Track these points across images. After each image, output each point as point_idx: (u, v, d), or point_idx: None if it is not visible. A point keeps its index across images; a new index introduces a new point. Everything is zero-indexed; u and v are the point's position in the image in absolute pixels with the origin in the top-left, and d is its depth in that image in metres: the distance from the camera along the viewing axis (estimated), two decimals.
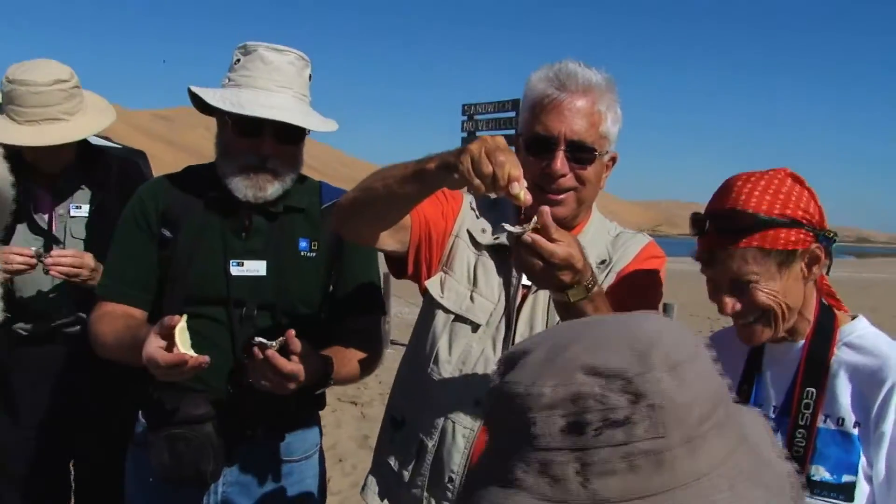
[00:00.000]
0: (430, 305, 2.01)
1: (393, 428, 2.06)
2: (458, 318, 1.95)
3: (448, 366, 1.94)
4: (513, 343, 1.91)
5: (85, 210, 2.84)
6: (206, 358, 1.87)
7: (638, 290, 1.95)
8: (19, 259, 2.59)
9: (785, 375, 1.74)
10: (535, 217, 1.59)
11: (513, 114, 11.94)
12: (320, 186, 2.38)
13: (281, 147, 2.17)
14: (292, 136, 2.19)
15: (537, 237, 1.57)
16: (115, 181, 2.85)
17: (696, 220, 1.69)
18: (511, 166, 1.53)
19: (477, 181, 1.54)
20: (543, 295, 1.92)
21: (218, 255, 2.20)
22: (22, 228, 2.78)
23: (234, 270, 2.19)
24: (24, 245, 2.69)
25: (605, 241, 2.03)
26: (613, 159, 2.00)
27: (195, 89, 2.16)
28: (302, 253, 2.27)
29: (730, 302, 1.67)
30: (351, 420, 7.55)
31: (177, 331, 1.84)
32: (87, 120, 2.77)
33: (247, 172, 2.15)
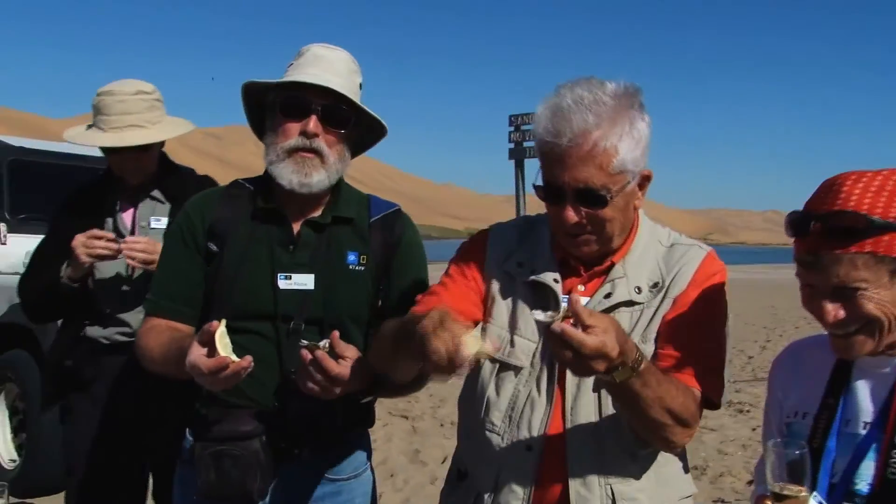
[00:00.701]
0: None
1: (457, 479, 2.01)
2: (502, 364, 1.90)
3: (498, 413, 1.89)
4: (559, 382, 1.85)
5: (164, 222, 3.02)
6: (248, 360, 1.85)
7: (701, 318, 1.85)
8: (101, 244, 2.84)
9: (879, 390, 1.63)
10: (567, 302, 1.54)
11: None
12: (369, 199, 2.35)
13: (328, 130, 2.15)
14: (340, 118, 2.16)
15: (566, 328, 1.49)
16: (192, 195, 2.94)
17: (797, 220, 1.56)
18: (450, 338, 1.53)
19: (433, 358, 1.54)
20: None
21: (265, 269, 2.17)
22: (109, 226, 3.03)
23: (282, 284, 2.16)
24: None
25: (656, 257, 1.92)
26: (647, 177, 1.86)
27: (249, 82, 2.18)
28: (350, 266, 2.23)
29: (832, 309, 1.55)
30: (402, 434, 7.51)
31: (217, 336, 1.83)
32: (165, 126, 3.06)
33: (292, 155, 2.13)
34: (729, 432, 8.01)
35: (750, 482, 6.37)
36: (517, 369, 1.88)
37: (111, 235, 2.89)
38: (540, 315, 1.56)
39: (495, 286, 1.95)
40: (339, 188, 2.29)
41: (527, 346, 1.88)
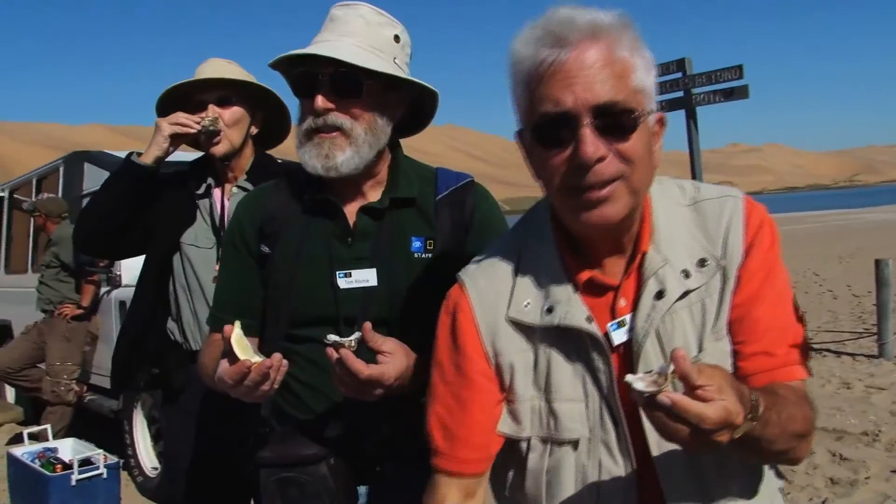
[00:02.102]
0: (512, 451, 1.51)
1: None
2: (553, 441, 1.45)
3: (569, 500, 1.44)
4: (630, 437, 1.41)
5: None
6: (272, 360, 1.64)
7: (773, 286, 1.41)
8: (185, 117, 2.78)
9: None
10: (670, 364, 1.13)
11: (678, 75, 11.19)
12: (436, 174, 2.04)
13: (343, 101, 1.85)
14: (350, 85, 1.85)
15: (679, 399, 1.11)
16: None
17: None
18: None
19: None
20: (652, 346, 1.40)
21: (323, 267, 1.92)
22: (200, 221, 2.90)
23: (342, 283, 1.90)
24: (202, 239, 2.86)
25: (685, 225, 1.46)
26: (661, 122, 1.41)
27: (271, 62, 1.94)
28: (415, 255, 1.93)
29: None
30: None
31: (233, 339, 1.64)
32: None
33: (312, 138, 1.87)
34: None
35: None
36: (575, 443, 1.44)
37: (199, 118, 2.80)
38: (639, 384, 1.14)
39: (504, 353, 1.47)
40: (396, 165, 2.00)
41: (574, 411, 1.43)
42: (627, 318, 1.42)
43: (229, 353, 1.65)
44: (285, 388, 1.93)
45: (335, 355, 1.60)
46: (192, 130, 2.77)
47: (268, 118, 3.01)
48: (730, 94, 11.28)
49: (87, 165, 6.99)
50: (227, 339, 1.64)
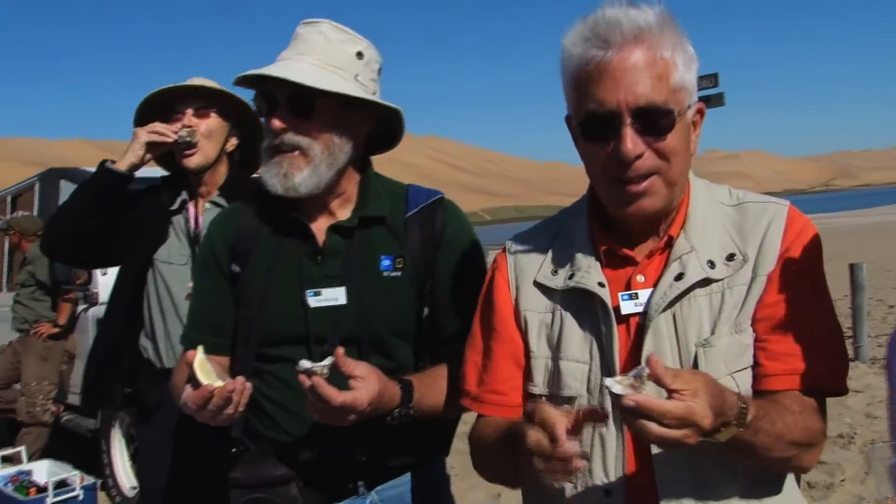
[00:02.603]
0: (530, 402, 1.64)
1: None
2: (554, 399, 1.54)
3: None
4: None
5: None
6: (234, 384, 1.66)
7: (806, 293, 1.48)
8: (162, 126, 2.77)
9: None
10: (646, 367, 1.23)
11: None
12: (407, 191, 2.05)
13: (299, 122, 1.87)
14: (304, 105, 1.87)
15: (644, 400, 1.20)
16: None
17: None
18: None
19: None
20: (666, 323, 1.50)
21: (293, 286, 1.93)
22: (173, 237, 2.89)
23: (312, 301, 1.91)
24: (176, 255, 2.84)
25: (722, 222, 1.56)
26: (700, 112, 1.54)
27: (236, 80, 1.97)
28: (385, 273, 1.94)
29: None
30: None
31: (196, 364, 1.66)
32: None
33: (273, 157, 1.90)
34: (877, 392, 7.31)
35: None
36: (571, 400, 1.52)
37: (176, 128, 2.80)
38: (617, 387, 1.23)
39: (532, 315, 1.61)
40: (366, 183, 2.02)
41: (576, 370, 1.54)
42: (640, 292, 1.52)
43: (192, 378, 1.66)
44: (257, 407, 1.94)
45: (308, 382, 1.61)
46: (169, 139, 2.77)
47: (250, 141, 3.02)
48: (706, 102, 11.40)
49: (63, 182, 6.95)
50: (189, 364, 1.65)
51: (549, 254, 1.64)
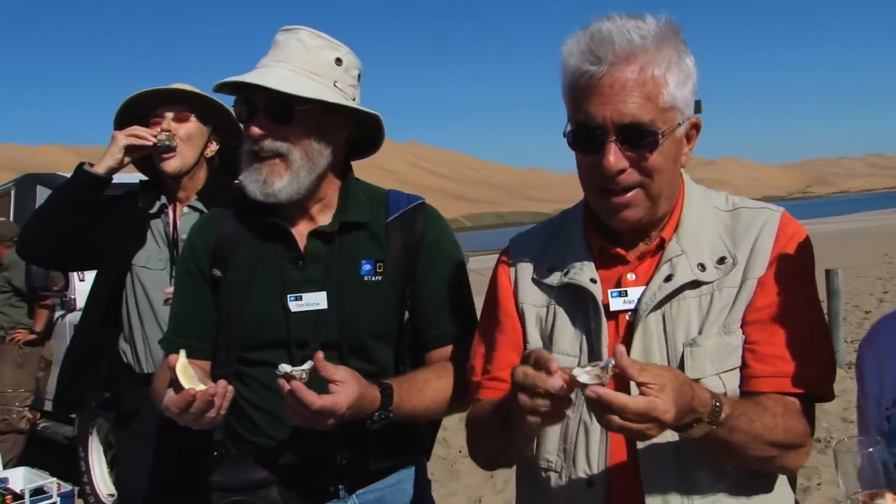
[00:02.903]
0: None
1: None
2: None
3: (550, 446, 1.59)
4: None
5: None
6: (216, 388, 1.68)
7: (794, 298, 1.52)
8: (142, 130, 2.77)
9: None
10: (611, 359, 1.27)
11: None
12: (387, 196, 2.07)
13: (277, 128, 1.89)
14: (282, 111, 1.88)
15: (604, 393, 1.25)
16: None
17: None
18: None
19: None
20: (656, 323, 1.54)
21: (275, 290, 1.94)
22: (151, 242, 2.90)
23: (293, 306, 1.92)
24: (154, 260, 2.85)
25: (716, 226, 1.60)
26: (696, 126, 1.58)
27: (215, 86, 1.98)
28: (366, 277, 1.95)
29: None
30: None
31: (178, 368, 1.67)
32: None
33: (251, 164, 1.91)
34: (852, 397, 7.22)
35: None
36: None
37: (155, 132, 2.80)
38: (584, 377, 1.27)
39: (529, 307, 1.67)
40: (347, 188, 2.03)
41: (566, 363, 1.54)
42: (630, 290, 1.57)
43: (174, 382, 1.66)
44: (239, 411, 1.94)
45: (287, 386, 1.62)
46: (148, 143, 2.76)
47: (231, 147, 3.03)
48: None
49: (39, 188, 6.90)
50: (171, 369, 1.65)
51: (548, 252, 1.69)
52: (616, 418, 1.24)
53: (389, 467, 2.00)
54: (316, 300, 1.92)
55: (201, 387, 1.66)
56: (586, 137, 1.50)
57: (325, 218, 2.00)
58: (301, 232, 1.98)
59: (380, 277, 1.96)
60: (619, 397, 1.24)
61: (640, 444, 1.49)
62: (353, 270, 1.96)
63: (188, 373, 1.67)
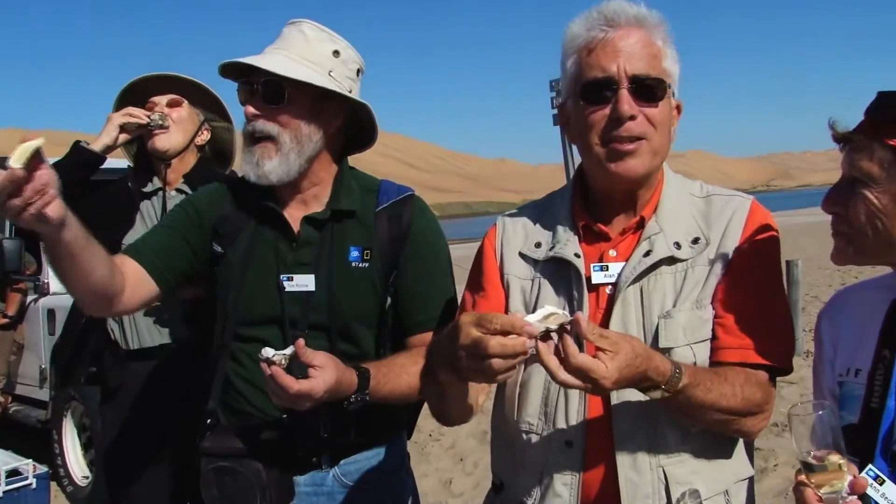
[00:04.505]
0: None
1: (494, 493, 1.84)
2: (528, 357, 1.68)
3: (531, 410, 1.70)
4: None
5: None
6: (31, 175, 1.48)
7: (761, 278, 1.67)
8: (138, 111, 2.86)
9: None
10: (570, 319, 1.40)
11: None
12: (379, 185, 2.17)
13: (270, 109, 2.00)
14: (275, 93, 1.99)
15: (542, 347, 1.39)
16: None
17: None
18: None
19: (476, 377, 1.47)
20: (634, 295, 1.67)
21: (270, 270, 2.04)
22: (139, 224, 2.96)
23: (286, 285, 2.03)
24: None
25: (691, 210, 1.75)
26: (679, 108, 1.75)
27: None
28: (353, 264, 2.06)
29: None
30: None
31: (20, 148, 1.46)
32: None
33: (247, 146, 2.02)
34: (809, 384, 7.61)
35: None
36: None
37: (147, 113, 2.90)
38: (538, 325, 1.40)
39: (514, 279, 1.78)
40: (340, 177, 2.13)
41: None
42: (611, 265, 1.70)
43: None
44: (230, 384, 2.06)
45: (268, 371, 1.72)
46: (142, 121, 2.86)
47: (224, 139, 3.13)
48: None
49: None
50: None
51: (535, 228, 1.82)
52: (559, 372, 1.38)
53: (370, 440, 2.12)
54: (305, 282, 2.03)
55: (17, 166, 1.44)
56: (600, 89, 1.64)
57: (318, 205, 2.10)
58: (295, 217, 2.08)
59: (366, 264, 2.06)
60: (565, 349, 1.37)
61: (615, 403, 1.62)
62: (342, 256, 2.06)
63: (21, 153, 1.45)
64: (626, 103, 1.62)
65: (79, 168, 2.84)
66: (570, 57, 1.71)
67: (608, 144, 1.66)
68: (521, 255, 1.80)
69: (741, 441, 1.73)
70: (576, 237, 1.75)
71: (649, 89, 1.64)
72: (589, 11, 1.69)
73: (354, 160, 2.24)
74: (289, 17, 2.06)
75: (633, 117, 1.63)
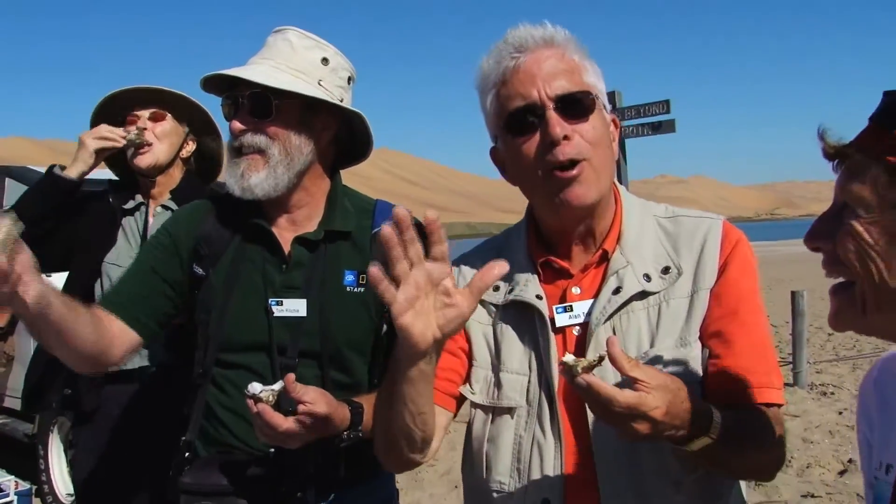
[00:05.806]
0: (472, 410, 1.66)
1: None
2: (495, 410, 1.59)
3: (501, 468, 1.56)
4: (568, 416, 1.52)
5: None
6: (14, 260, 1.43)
7: (747, 307, 1.53)
8: (109, 131, 2.73)
9: None
10: (604, 348, 1.27)
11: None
12: (375, 206, 2.06)
13: (258, 122, 1.89)
14: (262, 105, 1.89)
15: (595, 382, 1.25)
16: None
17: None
18: None
19: None
20: (606, 335, 1.52)
21: (258, 293, 1.93)
22: (122, 240, 2.88)
23: (275, 310, 1.91)
24: (125, 258, 2.76)
25: (656, 235, 1.61)
26: (615, 122, 1.64)
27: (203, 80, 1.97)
28: (347, 288, 1.95)
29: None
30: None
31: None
32: None
33: (232, 160, 1.92)
34: (813, 417, 7.53)
35: (841, 472, 5.93)
36: (511, 411, 1.57)
37: (124, 133, 2.78)
38: (569, 357, 1.28)
39: (474, 324, 1.64)
40: (334, 196, 2.02)
41: (516, 382, 1.57)
42: (576, 304, 1.57)
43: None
44: (212, 413, 1.94)
45: (254, 409, 1.61)
46: (118, 144, 2.74)
47: (210, 151, 3.02)
48: (657, 128, 11.65)
49: (8, 181, 6.78)
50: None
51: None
52: (604, 411, 1.25)
53: (359, 475, 2.00)
54: (296, 307, 1.91)
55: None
56: (525, 115, 1.52)
57: (310, 225, 1.99)
58: (285, 237, 1.97)
59: (362, 289, 1.95)
60: (608, 389, 1.24)
61: (597, 458, 1.49)
62: (336, 280, 1.95)
63: (8, 244, 1.40)
64: (557, 125, 1.50)
65: (54, 196, 2.74)
66: (488, 95, 1.60)
67: (549, 174, 1.52)
68: (480, 301, 1.65)
69: (739, 484, 1.60)
70: (535, 277, 1.62)
71: (576, 104, 1.53)
72: (496, 45, 1.59)
73: (354, 174, 2.13)
74: (296, 26, 1.96)
75: (567, 137, 1.51)
